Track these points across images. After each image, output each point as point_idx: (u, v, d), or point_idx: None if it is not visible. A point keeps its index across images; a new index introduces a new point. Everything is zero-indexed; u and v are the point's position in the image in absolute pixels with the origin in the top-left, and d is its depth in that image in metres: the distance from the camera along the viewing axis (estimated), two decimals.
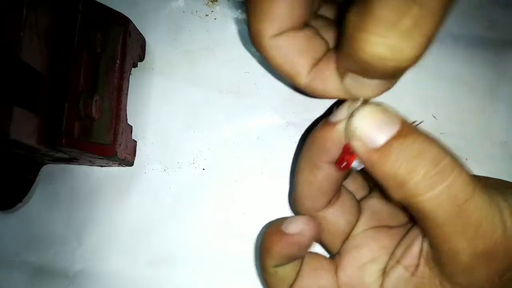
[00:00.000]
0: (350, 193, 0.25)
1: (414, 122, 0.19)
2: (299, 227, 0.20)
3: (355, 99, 0.19)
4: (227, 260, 0.31)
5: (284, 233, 0.20)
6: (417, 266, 0.21)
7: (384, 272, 0.22)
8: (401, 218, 0.24)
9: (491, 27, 0.34)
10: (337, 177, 0.21)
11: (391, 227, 0.23)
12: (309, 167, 0.21)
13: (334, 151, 0.20)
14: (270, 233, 0.21)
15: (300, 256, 0.21)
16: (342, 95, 0.20)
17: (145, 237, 0.31)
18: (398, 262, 0.21)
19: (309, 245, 0.21)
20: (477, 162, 0.32)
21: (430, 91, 0.33)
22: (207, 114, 0.33)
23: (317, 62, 0.20)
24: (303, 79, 0.20)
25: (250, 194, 0.32)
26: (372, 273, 0.22)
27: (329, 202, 0.23)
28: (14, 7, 0.23)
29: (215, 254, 0.31)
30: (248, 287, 0.30)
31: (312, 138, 0.21)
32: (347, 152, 0.19)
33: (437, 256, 0.19)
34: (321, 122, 0.20)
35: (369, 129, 0.17)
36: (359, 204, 0.25)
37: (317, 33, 0.20)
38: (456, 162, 0.18)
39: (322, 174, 0.21)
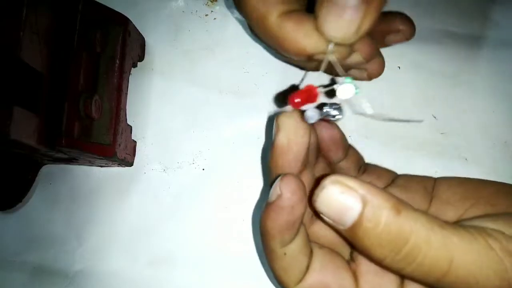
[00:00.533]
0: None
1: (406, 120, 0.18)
2: (277, 190, 0.19)
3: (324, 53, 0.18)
4: (227, 260, 0.31)
5: (270, 204, 0.19)
6: None
7: (403, 282, 0.21)
8: None
9: (490, 27, 0.34)
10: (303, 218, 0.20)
11: None
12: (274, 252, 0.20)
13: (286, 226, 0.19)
14: (262, 213, 0.20)
15: (297, 220, 0.19)
16: (315, 39, 0.19)
17: (145, 237, 0.31)
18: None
19: (298, 207, 0.19)
20: (477, 162, 0.32)
21: (430, 91, 0.33)
22: (207, 114, 0.33)
23: (292, 11, 0.19)
24: (273, 17, 0.19)
25: (250, 194, 0.32)
26: (392, 280, 0.21)
27: (312, 218, 0.22)
28: (14, 7, 0.23)
29: (215, 254, 0.31)
30: (248, 286, 0.30)
31: (261, 228, 0.20)
32: (308, 94, 0.18)
33: None
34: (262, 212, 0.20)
35: (332, 215, 0.17)
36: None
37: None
38: (424, 234, 0.17)
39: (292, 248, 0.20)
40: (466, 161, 0.32)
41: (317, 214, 0.19)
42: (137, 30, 0.33)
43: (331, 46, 0.18)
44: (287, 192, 0.19)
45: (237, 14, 0.35)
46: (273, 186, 0.19)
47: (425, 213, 0.17)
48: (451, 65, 0.33)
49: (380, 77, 0.33)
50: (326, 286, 0.21)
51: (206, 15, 0.35)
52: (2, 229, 0.33)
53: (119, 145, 0.30)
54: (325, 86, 0.18)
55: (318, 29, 0.18)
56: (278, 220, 0.19)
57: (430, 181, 0.24)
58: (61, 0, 0.26)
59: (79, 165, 0.32)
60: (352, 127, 0.32)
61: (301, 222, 0.20)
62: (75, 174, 0.33)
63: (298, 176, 0.19)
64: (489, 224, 0.18)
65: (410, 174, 0.25)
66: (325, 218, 0.18)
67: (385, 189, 0.24)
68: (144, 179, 0.32)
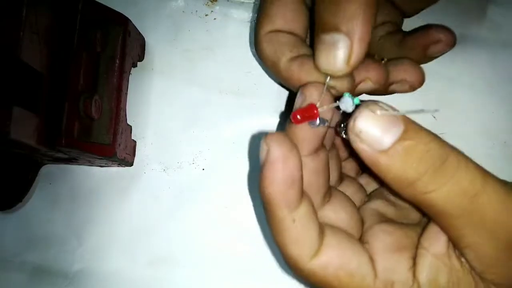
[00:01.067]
0: (340, 191, 0.23)
1: (419, 110, 0.18)
2: (264, 148, 0.18)
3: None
4: (227, 260, 0.31)
5: (262, 166, 0.18)
6: (449, 256, 0.20)
7: (415, 262, 0.20)
8: (411, 216, 0.23)
9: (491, 27, 0.34)
10: (322, 169, 0.21)
11: (404, 224, 0.22)
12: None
13: (308, 140, 0.20)
14: (259, 182, 0.19)
15: (296, 174, 0.18)
16: (315, 75, 0.21)
17: (145, 237, 0.31)
18: (426, 250, 0.20)
19: (291, 158, 0.18)
20: (477, 162, 0.32)
21: (430, 91, 0.33)
22: (207, 114, 0.33)
23: (297, 56, 0.23)
24: (283, 62, 0.23)
25: (249, 194, 0.32)
26: (406, 259, 0.20)
27: (324, 199, 0.21)
28: (14, 7, 0.23)
29: (215, 254, 0.31)
30: (248, 286, 0.31)
31: (263, 198, 0.19)
32: (308, 112, 0.19)
33: (462, 252, 0.19)
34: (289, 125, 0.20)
35: (374, 132, 0.17)
36: (353, 202, 0.23)
37: (303, 41, 0.24)
38: (462, 157, 0.18)
39: (307, 170, 0.20)
40: None
41: (344, 142, 0.19)
42: (137, 30, 0.33)
43: (327, 79, 0.20)
44: (274, 144, 0.18)
45: (237, 14, 0.35)
46: (260, 148, 0.18)
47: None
48: (452, 65, 0.33)
49: None
50: (344, 261, 0.19)
51: (206, 15, 0.35)
52: (2, 229, 0.33)
53: (119, 145, 0.30)
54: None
55: (315, 66, 0.21)
56: (276, 179, 0.18)
57: None
58: (61, 0, 0.26)
59: (79, 165, 0.32)
60: None
61: (301, 181, 0.19)
62: (75, 174, 0.33)
63: (281, 132, 0.19)
64: None
65: None
66: (360, 141, 0.17)
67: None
68: (144, 179, 0.32)
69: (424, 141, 0.17)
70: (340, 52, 0.20)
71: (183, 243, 0.31)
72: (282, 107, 0.33)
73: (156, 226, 0.32)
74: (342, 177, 0.25)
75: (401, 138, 0.17)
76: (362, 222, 0.22)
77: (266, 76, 0.33)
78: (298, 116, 0.19)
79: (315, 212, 0.20)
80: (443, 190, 0.17)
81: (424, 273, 0.20)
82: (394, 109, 0.18)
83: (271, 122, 0.33)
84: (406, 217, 0.23)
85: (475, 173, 0.17)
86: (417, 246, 0.21)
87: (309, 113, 0.19)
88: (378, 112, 0.17)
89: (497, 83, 0.33)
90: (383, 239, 0.21)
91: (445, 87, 0.33)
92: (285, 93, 0.33)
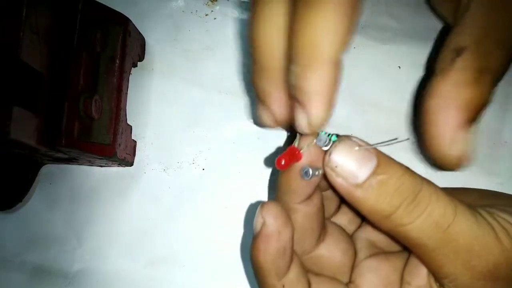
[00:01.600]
0: (337, 225, 0.24)
1: (392, 140, 0.19)
2: (259, 219, 0.19)
3: None
4: (227, 260, 0.31)
5: (256, 236, 0.19)
6: (429, 286, 0.20)
7: None
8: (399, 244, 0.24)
9: None
10: (316, 212, 0.21)
11: (392, 253, 0.23)
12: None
13: (301, 190, 0.20)
14: (251, 249, 0.20)
15: (287, 246, 0.20)
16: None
17: (145, 237, 0.31)
18: (409, 283, 0.21)
19: (285, 231, 0.19)
20: (476, 162, 0.32)
21: None
22: (207, 114, 0.33)
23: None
24: None
25: (250, 194, 0.32)
26: None
27: (319, 239, 0.22)
28: (14, 7, 0.23)
29: (215, 254, 0.31)
30: (248, 286, 0.30)
31: (278, 185, 0.21)
32: (291, 155, 0.19)
33: (441, 283, 0.19)
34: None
35: (349, 166, 0.18)
36: (348, 234, 0.24)
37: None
38: (433, 188, 0.18)
39: (300, 216, 0.21)
40: None
41: (326, 180, 0.19)
42: (137, 30, 0.33)
43: (298, 136, 0.20)
44: (270, 218, 0.19)
45: (237, 13, 0.35)
46: (255, 217, 0.19)
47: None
48: None
49: (381, 77, 0.33)
50: None
51: (206, 15, 0.35)
52: (2, 229, 0.33)
53: (119, 145, 0.30)
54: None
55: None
56: (268, 250, 0.19)
57: None
58: (61, 0, 0.26)
59: (79, 165, 0.32)
60: (352, 127, 0.32)
61: (292, 249, 0.20)
62: (75, 174, 0.33)
63: (277, 202, 0.20)
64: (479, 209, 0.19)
65: None
66: (336, 175, 0.18)
67: None
68: (144, 179, 0.32)
69: (396, 175, 0.18)
70: (301, 118, 0.19)
71: (183, 243, 0.31)
72: None
73: (156, 226, 0.32)
74: (340, 205, 0.25)
75: (375, 173, 0.18)
76: (354, 254, 0.23)
77: None
78: (283, 161, 0.19)
79: (303, 272, 0.21)
80: (417, 223, 0.18)
81: None
82: (368, 144, 0.18)
83: None
84: (395, 242, 0.23)
85: (447, 204, 0.18)
86: (401, 279, 0.21)
87: (291, 155, 0.19)
88: (353, 146, 0.18)
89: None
90: (370, 280, 0.22)
91: None
92: None
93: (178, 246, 0.31)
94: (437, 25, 0.34)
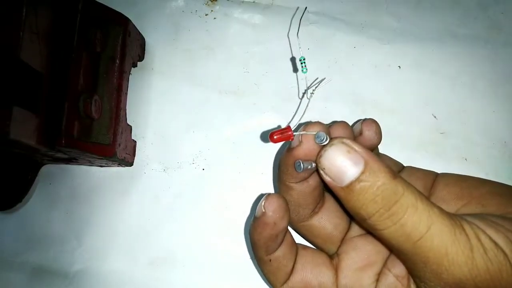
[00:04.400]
0: (335, 200, 0.25)
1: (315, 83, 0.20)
2: (261, 208, 0.22)
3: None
4: (227, 260, 0.31)
5: (255, 219, 0.22)
6: (408, 279, 0.22)
7: (378, 278, 0.23)
8: None
9: (492, 26, 0.34)
10: (310, 191, 0.23)
11: None
12: (283, 188, 0.23)
13: (297, 174, 0.22)
14: (250, 226, 0.23)
15: (280, 233, 0.22)
16: None
17: (145, 237, 0.31)
18: (389, 269, 0.23)
19: (280, 223, 0.22)
20: (477, 162, 0.32)
21: (430, 91, 0.33)
22: (207, 114, 0.33)
23: None
24: None
25: (250, 194, 0.32)
26: (369, 276, 0.23)
27: (313, 212, 0.25)
28: (14, 7, 0.23)
29: (215, 254, 0.31)
30: (248, 286, 0.30)
31: (279, 163, 0.23)
32: (284, 133, 0.21)
33: (414, 281, 0.21)
34: (285, 149, 0.22)
35: (335, 170, 0.19)
36: (344, 210, 0.25)
37: None
38: (412, 199, 0.18)
39: (295, 193, 0.23)
40: (466, 161, 0.32)
41: (317, 171, 0.20)
42: (137, 30, 0.33)
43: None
44: (270, 211, 0.21)
45: (237, 13, 0.35)
46: (259, 204, 0.22)
47: (413, 186, 0.19)
48: (452, 65, 0.33)
49: (381, 76, 0.33)
50: (306, 283, 0.24)
51: (206, 14, 0.35)
52: (2, 229, 0.33)
53: (119, 145, 0.30)
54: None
55: None
56: (263, 233, 0.22)
57: (431, 178, 0.25)
58: (61, 0, 0.26)
59: (79, 165, 0.32)
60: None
61: (285, 234, 0.23)
62: (75, 174, 0.33)
63: (281, 195, 0.22)
64: (466, 216, 0.20)
65: (416, 167, 0.26)
66: (325, 174, 0.19)
67: None
68: (144, 179, 0.32)
69: (377, 184, 0.18)
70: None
71: (183, 243, 0.31)
72: (282, 107, 0.33)
73: (156, 226, 0.32)
74: None
75: (358, 179, 0.19)
76: (347, 229, 0.25)
77: (266, 76, 0.33)
78: (275, 136, 0.21)
79: (291, 249, 0.24)
80: (390, 230, 0.19)
81: None
82: (359, 147, 0.19)
83: (271, 122, 0.33)
84: None
85: (422, 218, 0.18)
86: (385, 262, 0.23)
87: (284, 133, 0.21)
88: (341, 152, 0.19)
89: (498, 83, 0.33)
90: (352, 257, 0.24)
91: (445, 86, 0.33)
92: (285, 93, 0.33)
93: (178, 246, 0.31)
94: (437, 25, 0.34)
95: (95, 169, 0.33)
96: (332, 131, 0.22)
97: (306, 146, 0.21)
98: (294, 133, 0.21)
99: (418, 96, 0.33)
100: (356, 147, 0.19)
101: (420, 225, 0.18)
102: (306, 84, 0.25)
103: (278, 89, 0.33)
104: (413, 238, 0.18)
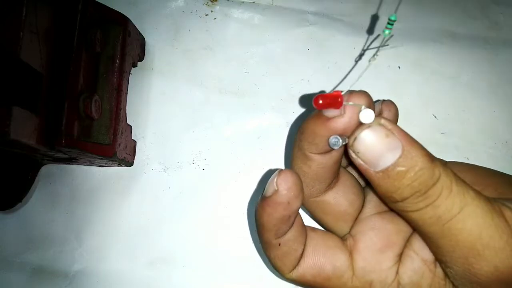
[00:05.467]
0: (351, 174, 0.24)
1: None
2: (273, 185, 0.19)
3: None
4: (227, 260, 0.31)
5: (266, 199, 0.19)
6: (435, 263, 0.20)
7: (400, 260, 0.21)
8: None
9: (491, 26, 0.34)
10: (332, 164, 0.21)
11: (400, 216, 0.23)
12: (302, 158, 0.21)
13: (325, 145, 0.20)
14: (258, 206, 0.20)
15: (292, 214, 0.20)
16: None
17: (145, 237, 0.31)
18: (415, 252, 0.21)
19: (294, 202, 0.20)
20: (478, 162, 0.31)
21: (430, 90, 0.33)
22: (207, 114, 0.33)
23: None
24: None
25: (250, 194, 0.32)
26: (389, 258, 0.21)
27: (328, 186, 0.22)
28: (14, 7, 0.23)
29: (214, 254, 0.31)
30: (248, 286, 0.30)
31: (302, 129, 0.20)
32: (333, 99, 0.18)
33: (440, 265, 0.20)
34: (312, 113, 0.20)
35: (370, 155, 0.18)
36: (360, 186, 0.24)
37: None
38: (447, 182, 0.18)
39: (315, 165, 0.21)
40: (467, 161, 0.32)
41: (346, 154, 0.19)
42: (137, 30, 0.33)
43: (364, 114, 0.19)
44: (284, 189, 0.19)
45: (237, 14, 0.35)
46: (270, 181, 0.19)
47: (449, 167, 0.18)
48: (452, 65, 0.33)
49: (381, 76, 0.33)
50: (319, 268, 0.21)
51: (206, 15, 0.35)
52: (2, 229, 0.33)
53: (119, 145, 0.30)
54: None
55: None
56: (274, 214, 0.19)
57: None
58: (61, 0, 0.26)
59: (79, 165, 0.32)
60: None
61: (296, 216, 0.21)
62: (75, 174, 0.33)
63: (294, 172, 0.20)
64: (506, 201, 0.19)
65: None
66: (357, 157, 0.18)
67: None
68: (144, 179, 0.32)
69: (415, 169, 0.18)
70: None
71: (183, 243, 0.31)
72: (282, 107, 0.33)
73: (156, 226, 0.32)
74: None
75: (395, 164, 0.18)
76: (362, 207, 0.23)
77: (266, 76, 0.33)
78: (320, 101, 0.18)
79: (302, 231, 0.21)
80: (421, 213, 0.18)
81: (407, 274, 0.21)
82: (397, 130, 0.18)
83: (271, 122, 0.33)
84: None
85: (455, 201, 0.18)
86: (406, 244, 0.21)
87: (333, 99, 0.18)
88: (378, 136, 0.18)
89: (498, 82, 0.33)
90: (369, 237, 0.22)
91: (445, 86, 0.33)
92: (285, 93, 0.33)
93: (178, 246, 0.31)
94: (437, 25, 0.34)
95: (95, 169, 0.33)
96: (354, 98, 0.20)
97: (348, 120, 0.18)
98: (344, 102, 0.18)
99: (418, 96, 0.33)
100: (394, 130, 0.18)
101: (453, 207, 0.17)
102: (378, 46, 0.21)
103: (278, 89, 0.33)
104: (443, 220, 0.17)
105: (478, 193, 0.18)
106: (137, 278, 0.31)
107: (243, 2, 0.35)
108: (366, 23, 0.34)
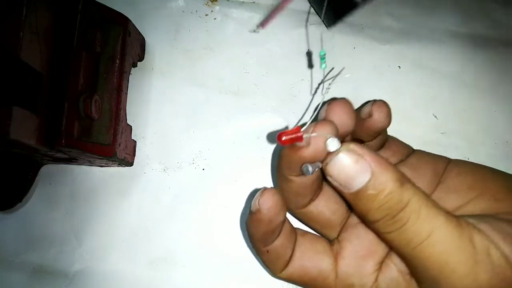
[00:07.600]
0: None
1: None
2: (256, 204, 0.21)
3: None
4: (227, 260, 0.31)
5: (251, 214, 0.22)
6: (410, 275, 0.22)
7: (380, 268, 0.23)
8: None
9: (492, 26, 0.34)
10: (311, 183, 0.23)
11: None
12: (282, 179, 0.23)
13: (298, 170, 0.21)
14: (247, 219, 0.23)
15: (276, 228, 0.22)
16: None
17: (145, 237, 0.31)
18: (393, 263, 0.23)
19: (275, 219, 0.21)
20: (478, 162, 0.31)
21: (431, 90, 0.33)
22: (207, 114, 0.33)
23: None
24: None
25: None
26: (370, 265, 0.23)
27: (311, 200, 0.24)
28: (14, 7, 0.23)
29: (214, 254, 0.31)
30: (248, 286, 0.30)
31: (281, 156, 0.22)
32: (293, 134, 0.19)
33: (415, 280, 0.21)
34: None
35: (342, 179, 0.19)
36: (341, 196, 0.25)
37: None
38: (417, 206, 0.18)
39: (295, 185, 0.23)
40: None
41: (324, 175, 0.20)
42: (137, 30, 0.33)
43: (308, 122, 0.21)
44: (265, 208, 0.21)
45: (237, 14, 0.35)
46: (254, 199, 0.21)
47: (422, 191, 0.19)
48: (452, 64, 0.33)
49: (381, 77, 0.33)
50: (305, 270, 0.24)
51: (206, 15, 0.35)
52: (2, 229, 0.32)
53: (119, 145, 0.30)
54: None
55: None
56: (258, 228, 0.22)
57: (443, 164, 0.25)
58: (61, 0, 0.26)
59: (79, 165, 0.32)
60: None
61: (282, 226, 0.23)
62: (75, 174, 0.33)
63: (276, 191, 0.21)
64: (481, 224, 0.19)
65: (426, 151, 0.26)
66: (332, 181, 0.19)
67: (395, 165, 0.25)
68: (144, 179, 0.32)
69: (385, 193, 0.18)
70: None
71: (183, 243, 0.31)
72: (282, 107, 0.33)
73: (156, 226, 0.32)
74: None
75: (365, 187, 0.18)
76: (346, 213, 0.25)
77: (266, 76, 0.33)
78: (283, 137, 0.19)
79: (289, 238, 0.24)
80: (392, 235, 0.19)
81: (385, 282, 0.22)
82: (367, 154, 0.19)
83: (271, 122, 0.33)
84: None
85: (424, 224, 0.18)
86: (387, 253, 0.23)
87: (294, 135, 0.19)
88: (349, 160, 0.19)
89: (499, 82, 0.33)
90: (354, 244, 0.24)
91: (446, 86, 0.33)
92: (285, 93, 0.33)
93: (178, 246, 0.31)
94: (437, 25, 0.34)
95: (95, 169, 0.33)
96: (331, 112, 0.21)
97: (315, 149, 0.20)
98: (304, 135, 0.19)
99: (418, 96, 0.33)
100: (364, 155, 0.19)
101: (422, 232, 0.18)
102: (323, 79, 0.25)
103: (278, 89, 0.33)
104: (413, 244, 0.18)
105: (449, 216, 0.19)
106: (137, 278, 0.31)
107: (243, 2, 0.35)
108: (366, 22, 0.34)
